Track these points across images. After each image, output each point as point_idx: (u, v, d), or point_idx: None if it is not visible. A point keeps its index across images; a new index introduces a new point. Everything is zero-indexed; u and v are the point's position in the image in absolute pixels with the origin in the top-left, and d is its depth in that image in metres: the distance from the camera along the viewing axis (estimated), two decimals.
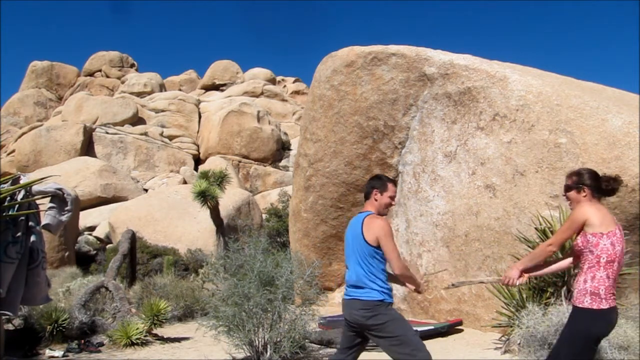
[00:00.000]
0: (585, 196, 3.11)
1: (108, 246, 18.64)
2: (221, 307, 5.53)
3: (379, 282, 3.37)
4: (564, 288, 5.41)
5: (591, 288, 2.92)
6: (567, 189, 3.22)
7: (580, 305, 2.94)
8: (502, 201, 6.74)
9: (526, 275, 3.27)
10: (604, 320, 2.90)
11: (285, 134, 33.97)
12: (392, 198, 3.53)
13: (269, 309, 5.44)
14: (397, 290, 8.17)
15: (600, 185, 3.13)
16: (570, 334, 2.98)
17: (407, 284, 3.57)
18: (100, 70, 41.40)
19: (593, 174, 3.17)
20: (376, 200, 3.49)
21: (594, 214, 2.98)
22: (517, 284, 3.28)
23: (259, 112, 32.39)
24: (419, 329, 6.62)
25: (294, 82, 43.50)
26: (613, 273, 2.94)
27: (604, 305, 2.88)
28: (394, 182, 3.62)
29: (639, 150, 5.77)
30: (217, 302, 5.72)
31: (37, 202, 4.62)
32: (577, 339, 2.93)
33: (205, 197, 14.34)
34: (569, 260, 3.28)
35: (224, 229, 15.43)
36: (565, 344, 2.99)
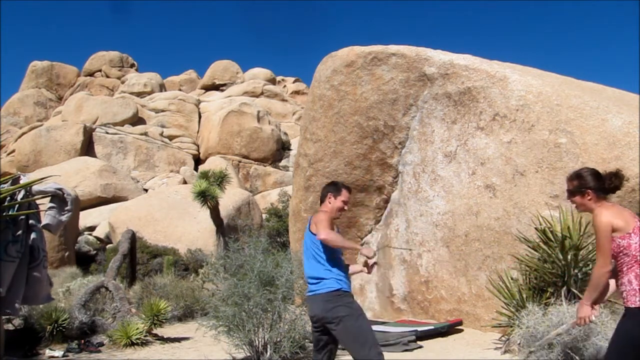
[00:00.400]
0: (590, 199, 3.03)
1: (108, 246, 18.65)
2: (221, 307, 5.53)
3: (335, 271, 3.46)
4: (564, 288, 5.41)
5: (639, 286, 2.84)
6: (571, 194, 3.13)
7: (634, 306, 2.84)
8: (502, 201, 6.74)
9: (596, 306, 3.14)
10: None
11: (285, 134, 33.98)
12: (345, 203, 3.69)
13: (269, 309, 5.44)
14: (397, 290, 8.18)
15: (604, 185, 3.04)
16: (616, 335, 2.90)
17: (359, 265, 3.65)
18: (100, 70, 41.41)
19: (595, 174, 3.07)
20: (330, 203, 3.66)
21: (615, 217, 2.90)
22: (594, 318, 3.21)
23: (259, 112, 32.40)
24: (419, 329, 6.62)
25: (294, 82, 43.50)
26: None
27: None
28: (349, 189, 3.77)
29: (639, 150, 5.77)
30: (217, 302, 5.72)
31: (37, 202, 4.62)
32: (622, 339, 2.85)
33: (205, 197, 14.34)
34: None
35: (224, 229, 15.44)
36: (611, 346, 2.91)
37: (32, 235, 4.46)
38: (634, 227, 2.89)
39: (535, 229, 5.90)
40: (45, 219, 4.64)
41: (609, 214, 2.92)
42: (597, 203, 3.02)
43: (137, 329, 6.92)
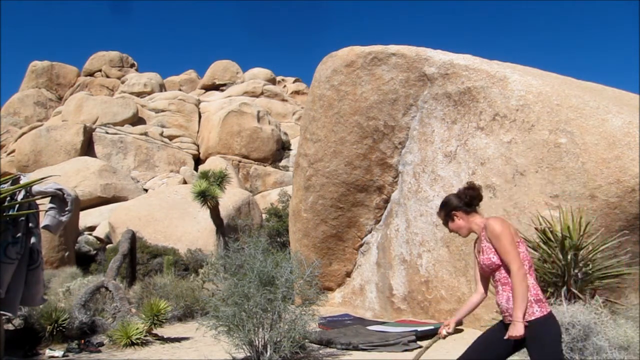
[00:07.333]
0: (460, 219, 3.08)
1: (108, 246, 18.64)
2: (221, 307, 5.53)
3: None
4: (564, 288, 5.41)
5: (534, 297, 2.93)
6: (446, 224, 3.16)
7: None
8: (502, 201, 6.73)
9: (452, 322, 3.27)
10: None
11: (285, 134, 33.97)
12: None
13: (269, 309, 5.43)
14: (397, 290, 8.17)
15: (465, 200, 3.07)
16: None
17: None
18: (100, 70, 41.42)
19: (454, 196, 3.12)
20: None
21: (507, 224, 2.94)
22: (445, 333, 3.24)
23: (259, 112, 32.40)
24: (419, 329, 6.62)
25: (294, 82, 43.52)
26: None
27: None
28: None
29: (639, 150, 5.77)
30: (217, 302, 5.71)
31: (37, 202, 4.62)
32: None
33: (205, 197, 14.35)
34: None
35: (224, 229, 15.44)
36: None
37: (32, 239, 4.46)
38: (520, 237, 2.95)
39: (535, 229, 5.89)
40: (45, 220, 4.64)
41: (501, 221, 2.92)
42: (471, 217, 3.06)
43: (137, 329, 6.92)
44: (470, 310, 3.22)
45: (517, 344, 2.87)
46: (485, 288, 3.15)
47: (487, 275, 3.06)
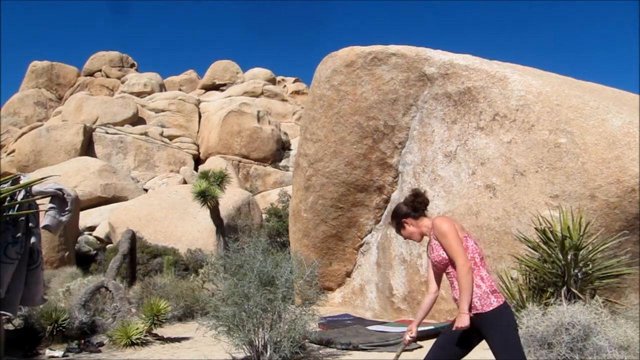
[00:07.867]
0: (411, 224, 3.20)
1: (108, 246, 18.65)
2: (221, 307, 5.53)
3: None
4: (564, 288, 5.41)
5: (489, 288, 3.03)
6: (399, 232, 3.29)
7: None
8: (502, 201, 6.73)
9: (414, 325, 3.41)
10: None
11: (285, 134, 33.99)
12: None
13: (269, 309, 5.43)
14: (397, 290, 8.18)
15: (413, 206, 3.20)
16: None
17: None
18: (100, 70, 41.45)
19: (403, 204, 3.24)
20: None
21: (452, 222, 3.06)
22: (409, 338, 3.35)
23: (259, 112, 32.42)
24: (419, 328, 6.61)
25: (294, 82, 43.51)
26: None
27: None
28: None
29: (639, 150, 5.77)
30: (217, 302, 5.72)
31: (37, 202, 4.62)
32: None
33: (205, 197, 14.34)
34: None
35: (224, 229, 15.43)
36: None
37: (32, 239, 4.46)
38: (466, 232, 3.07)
39: (535, 229, 5.89)
40: (45, 220, 4.64)
41: (446, 219, 3.05)
42: (420, 222, 3.18)
43: (137, 329, 6.92)
44: (426, 311, 3.36)
45: (475, 336, 2.97)
46: (437, 287, 3.28)
47: (440, 273, 3.17)
